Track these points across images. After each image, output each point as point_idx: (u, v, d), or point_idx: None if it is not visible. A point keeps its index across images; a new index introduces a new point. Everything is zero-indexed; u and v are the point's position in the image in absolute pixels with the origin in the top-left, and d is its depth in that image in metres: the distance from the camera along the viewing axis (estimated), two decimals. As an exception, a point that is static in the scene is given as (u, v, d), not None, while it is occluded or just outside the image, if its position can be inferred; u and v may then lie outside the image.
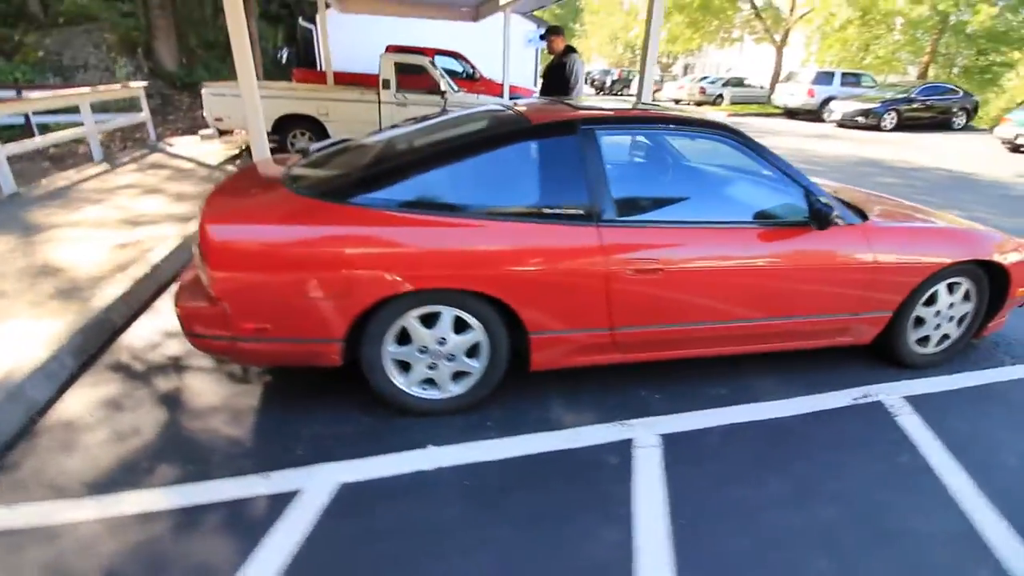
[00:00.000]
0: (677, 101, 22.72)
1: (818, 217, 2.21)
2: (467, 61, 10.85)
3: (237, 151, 7.49)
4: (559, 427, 2.24)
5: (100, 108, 7.57)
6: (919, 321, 2.67)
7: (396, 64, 7.07)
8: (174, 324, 2.88)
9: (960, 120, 15.21)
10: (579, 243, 2.07)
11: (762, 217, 2.29)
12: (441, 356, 2.15)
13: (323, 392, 2.37)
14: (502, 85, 9.19)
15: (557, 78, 5.02)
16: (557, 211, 2.08)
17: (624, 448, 2.14)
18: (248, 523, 1.72)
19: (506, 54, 8.92)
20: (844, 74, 16.86)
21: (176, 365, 2.58)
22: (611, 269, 2.09)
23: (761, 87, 20.85)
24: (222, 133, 8.15)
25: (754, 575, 1.65)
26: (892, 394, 2.57)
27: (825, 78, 16.63)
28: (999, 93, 18.48)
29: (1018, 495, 1.98)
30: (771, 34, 20.06)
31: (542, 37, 5.46)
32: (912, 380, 2.69)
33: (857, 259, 2.37)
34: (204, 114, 7.13)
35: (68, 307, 2.94)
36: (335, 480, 1.90)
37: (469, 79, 10.21)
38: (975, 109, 15.53)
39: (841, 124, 15.23)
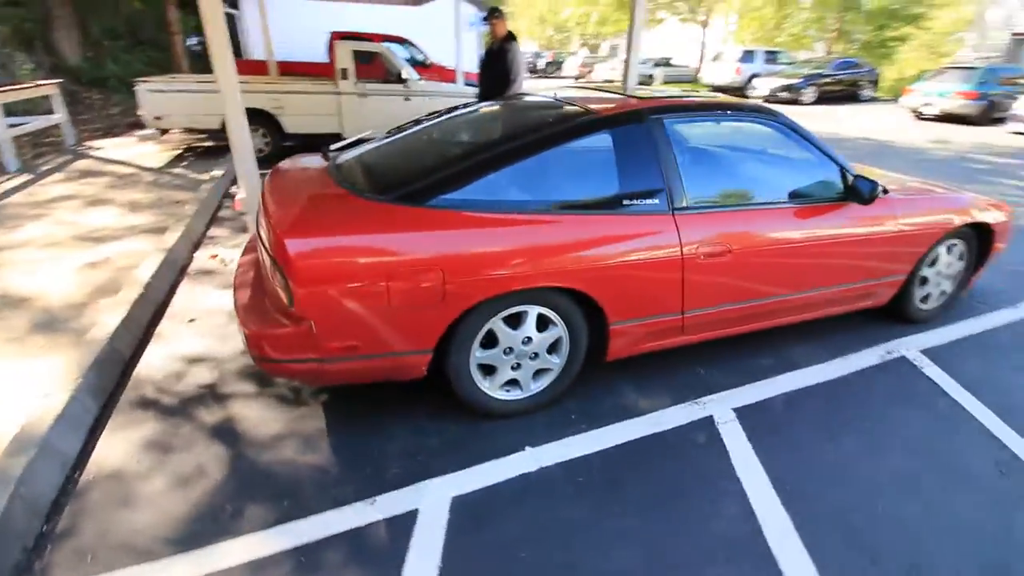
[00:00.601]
0: (609, 81, 23.23)
1: (860, 191, 2.36)
2: (415, 47, 10.47)
3: (178, 152, 6.86)
4: (638, 412, 2.28)
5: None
6: (923, 281, 2.93)
7: (354, 52, 6.70)
8: (192, 349, 2.67)
9: (867, 92, 16.65)
10: (657, 231, 2.09)
11: (808, 195, 2.41)
12: (525, 355, 2.11)
13: (384, 405, 2.26)
14: (455, 71, 8.97)
15: (497, 65, 4.87)
16: (634, 201, 2.08)
17: (707, 425, 2.21)
18: (377, 552, 1.63)
19: (458, 38, 8.70)
20: (765, 52, 17.91)
21: (214, 394, 2.36)
22: (686, 255, 2.13)
23: (686, 66, 21.73)
24: (163, 132, 7.42)
25: (868, 524, 1.77)
26: (911, 348, 2.82)
27: (748, 57, 17.61)
28: (890, 65, 20.38)
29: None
30: (695, 14, 20.90)
31: (484, 19, 5.27)
32: (921, 334, 2.96)
33: (887, 228, 2.56)
34: (140, 113, 6.44)
35: (57, 341, 2.60)
36: (446, 495, 1.83)
37: (421, 66, 9.86)
38: (877, 81, 17.04)
39: (767, 100, 16.21)
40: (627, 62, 4.71)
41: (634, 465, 2.00)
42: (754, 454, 2.06)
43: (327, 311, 1.76)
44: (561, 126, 2.13)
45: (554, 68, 28.35)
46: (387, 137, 2.71)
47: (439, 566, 1.58)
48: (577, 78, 26.16)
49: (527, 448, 2.06)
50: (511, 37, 4.95)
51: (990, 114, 11.41)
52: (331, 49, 8.01)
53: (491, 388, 2.13)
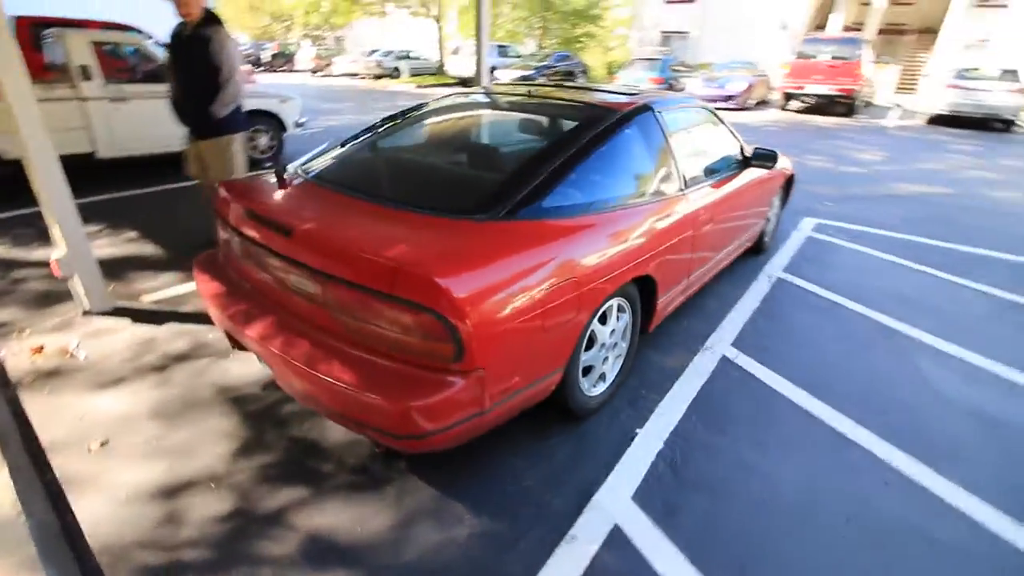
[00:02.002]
0: (352, 75, 22.42)
1: (768, 158, 3.09)
2: (144, 34, 8.27)
3: None
4: (680, 369, 2.60)
5: None
6: (768, 220, 3.99)
7: (95, 44, 5.06)
8: (148, 478, 1.89)
9: (581, 80, 20.07)
10: (685, 210, 2.39)
11: (732, 166, 3.05)
12: (610, 348, 2.20)
13: (469, 449, 2.03)
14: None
15: (195, 57, 3.19)
16: (666, 186, 2.33)
17: (730, 363, 2.68)
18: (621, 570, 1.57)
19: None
20: (497, 46, 19.83)
21: (261, 524, 1.76)
22: (694, 226, 2.50)
23: (428, 59, 22.48)
24: None
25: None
26: (777, 268, 3.84)
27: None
28: (587, 57, 25.00)
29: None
30: (428, 9, 21.61)
31: None
32: (774, 258, 4.04)
33: (772, 183, 3.42)
34: None
35: None
36: (624, 497, 1.84)
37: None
38: (586, 71, 20.70)
39: (509, 88, 18.14)
40: (479, 58, 4.82)
41: (719, 407, 2.33)
42: (772, 375, 2.60)
43: (498, 353, 1.54)
44: (601, 123, 2.19)
45: (283, 61, 25.80)
46: (367, 147, 2.41)
47: (684, 554, 1.63)
48: (314, 71, 24.44)
49: (637, 431, 2.17)
50: (213, 19, 3.22)
51: (670, 94, 15.21)
52: (23, 41, 5.83)
53: (588, 388, 2.15)
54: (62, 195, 2.73)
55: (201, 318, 2.94)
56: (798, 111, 13.67)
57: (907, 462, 2.05)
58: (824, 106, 13.12)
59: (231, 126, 3.42)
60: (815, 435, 2.21)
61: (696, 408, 2.33)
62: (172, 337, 2.80)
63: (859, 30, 17.95)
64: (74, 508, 1.76)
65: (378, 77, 21.25)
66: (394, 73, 21.37)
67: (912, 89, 18.20)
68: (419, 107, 2.83)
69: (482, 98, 3.00)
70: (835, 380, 2.57)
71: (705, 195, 2.65)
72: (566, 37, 24.29)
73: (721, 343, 2.85)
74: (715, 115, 3.08)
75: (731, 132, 3.16)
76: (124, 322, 2.92)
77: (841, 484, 1.95)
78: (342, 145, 2.48)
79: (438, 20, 21.63)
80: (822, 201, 5.68)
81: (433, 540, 1.69)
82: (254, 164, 6.39)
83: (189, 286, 3.35)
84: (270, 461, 1.98)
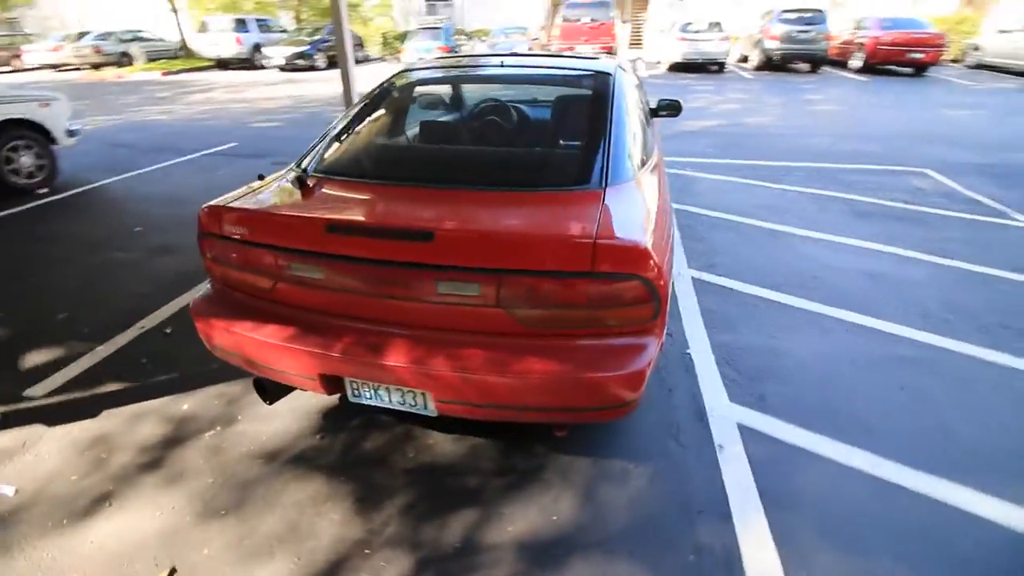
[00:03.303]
0: (58, 67, 17.41)
1: (672, 107, 3.59)
2: None
3: None
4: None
5: None
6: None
7: None
8: None
9: (360, 53, 18.99)
10: (660, 158, 2.72)
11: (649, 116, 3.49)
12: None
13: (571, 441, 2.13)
14: None
15: None
16: (651, 137, 2.60)
17: (700, 281, 3.18)
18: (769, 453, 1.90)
19: None
20: (256, 20, 17.39)
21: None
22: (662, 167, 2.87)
23: (163, 39, 18.57)
24: None
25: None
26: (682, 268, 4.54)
27: (243, 26, 16.74)
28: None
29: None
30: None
31: None
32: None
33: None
34: None
35: None
36: (727, 404, 2.17)
37: None
38: (363, 43, 19.62)
39: (283, 68, 16.24)
40: (340, 38, 4.27)
41: (719, 315, 2.80)
42: (735, 280, 3.19)
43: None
44: (607, 88, 2.26)
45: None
46: (385, 135, 2.22)
47: (792, 424, 2.04)
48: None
49: (687, 351, 2.51)
50: None
51: (459, 62, 15.59)
52: None
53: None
54: None
55: (150, 389, 2.30)
56: (573, 69, 15.36)
57: (840, 312, 2.83)
58: (592, 63, 15.00)
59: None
60: (790, 317, 2.84)
61: (708, 321, 2.77)
62: (128, 424, 2.14)
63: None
64: None
65: (98, 66, 16.85)
66: (123, 60, 17.18)
67: (639, 44, 21.85)
68: (394, 89, 2.50)
69: (460, 73, 2.82)
70: (773, 273, 3.29)
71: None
72: (322, 7, 22.56)
73: (681, 266, 3.35)
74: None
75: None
76: (34, 431, 2.10)
77: (832, 343, 2.60)
78: (337, 139, 2.13)
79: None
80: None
81: (624, 497, 1.78)
82: (20, 193, 4.81)
83: (96, 354, 2.54)
84: (405, 501, 1.78)
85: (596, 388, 1.49)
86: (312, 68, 16.40)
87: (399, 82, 2.59)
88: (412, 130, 2.42)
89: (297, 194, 1.79)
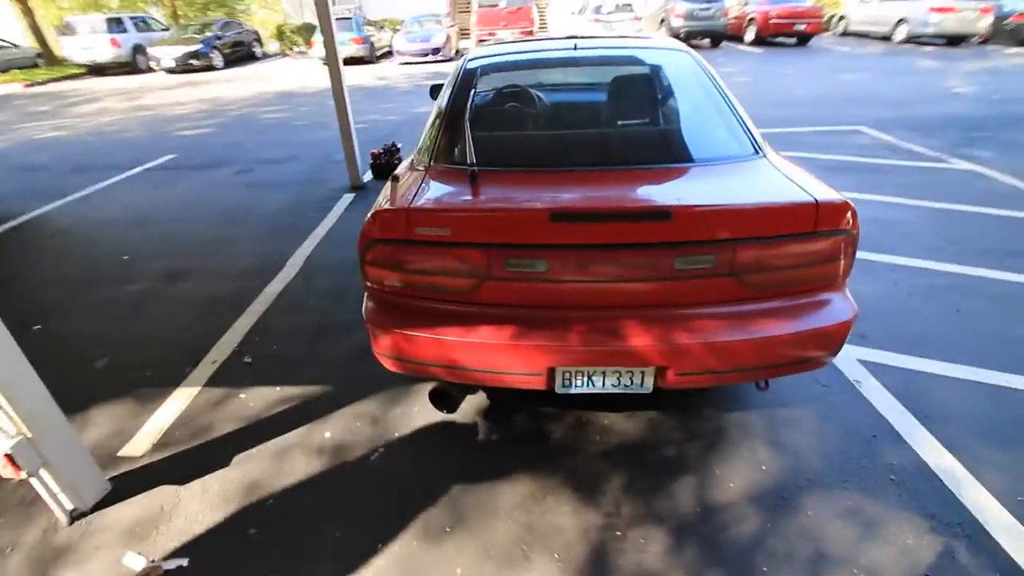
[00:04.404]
0: None
1: None
2: None
3: None
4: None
5: None
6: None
7: None
8: None
9: (259, 49, 17.54)
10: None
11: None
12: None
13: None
14: None
15: None
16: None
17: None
18: (897, 379, 2.16)
19: None
20: (131, 19, 15.39)
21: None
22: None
23: (14, 45, 15.85)
24: None
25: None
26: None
27: (118, 26, 14.76)
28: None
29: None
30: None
31: None
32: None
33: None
34: None
35: None
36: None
37: None
38: (259, 37, 18.09)
39: (174, 71, 14.61)
40: (327, 35, 3.92)
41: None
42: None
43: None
44: (683, 66, 2.36)
45: None
46: (513, 125, 2.24)
47: (903, 353, 2.32)
48: None
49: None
50: None
51: (374, 53, 14.93)
52: None
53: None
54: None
55: (274, 424, 2.11)
56: (494, 55, 15.30)
57: (870, 255, 3.21)
58: (512, 48, 15.04)
59: None
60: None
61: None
62: (274, 464, 1.96)
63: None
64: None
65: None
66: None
67: (545, 27, 22.23)
68: (477, 77, 2.36)
69: (540, 57, 2.78)
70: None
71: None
72: (200, 1, 20.55)
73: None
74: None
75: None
76: (164, 493, 1.85)
77: (882, 282, 2.94)
78: (450, 132, 2.01)
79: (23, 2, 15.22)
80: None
81: (807, 439, 1.96)
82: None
83: (180, 397, 2.26)
84: (622, 481, 1.83)
85: (822, 339, 1.62)
86: (210, 68, 14.91)
87: (476, 69, 2.48)
88: (533, 116, 2.37)
89: (470, 189, 1.71)
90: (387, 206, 1.67)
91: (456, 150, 1.97)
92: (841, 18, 16.06)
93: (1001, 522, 1.61)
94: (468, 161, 1.80)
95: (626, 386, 1.69)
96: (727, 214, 1.55)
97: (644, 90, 2.41)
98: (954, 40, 13.26)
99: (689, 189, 1.77)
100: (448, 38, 14.79)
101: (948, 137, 5.64)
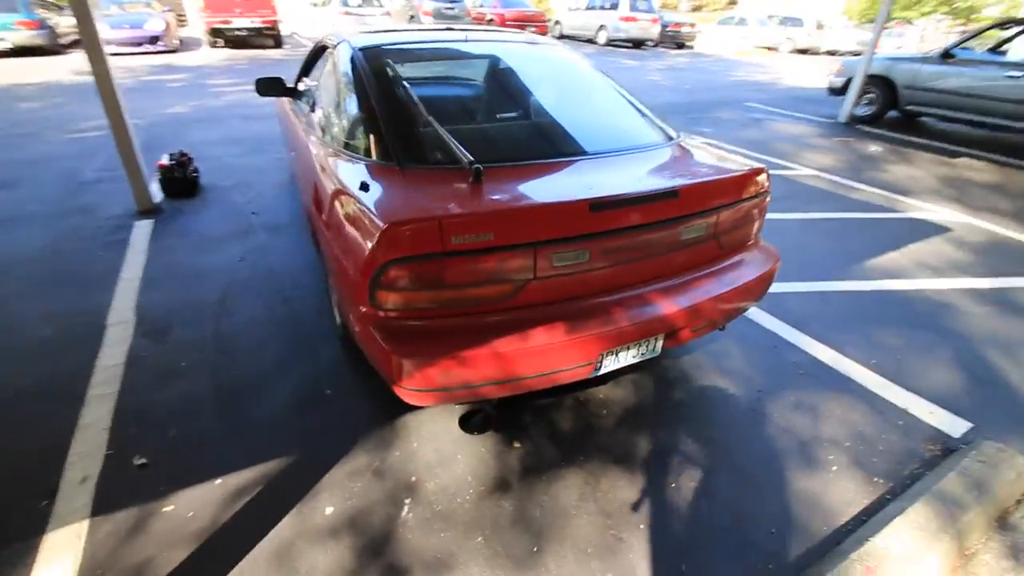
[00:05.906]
0: None
1: None
2: None
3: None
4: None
5: None
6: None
7: None
8: None
9: None
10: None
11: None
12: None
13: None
14: None
15: None
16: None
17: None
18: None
19: None
20: None
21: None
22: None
23: None
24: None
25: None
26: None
27: None
28: None
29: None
30: None
31: None
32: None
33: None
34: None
35: None
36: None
37: None
38: None
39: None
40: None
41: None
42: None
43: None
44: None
45: None
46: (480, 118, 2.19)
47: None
48: None
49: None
50: None
51: (57, 40, 11.43)
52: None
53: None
54: None
55: (228, 540, 1.67)
56: (231, 47, 13.23)
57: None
58: (252, 39, 13.28)
59: None
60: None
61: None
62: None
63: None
64: None
65: None
66: None
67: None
68: (391, 67, 2.07)
69: (441, 48, 2.61)
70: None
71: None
72: None
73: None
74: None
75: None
76: None
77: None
78: (438, 127, 1.79)
79: None
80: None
81: (740, 362, 2.41)
82: None
83: (67, 534, 1.60)
84: (658, 446, 1.97)
85: (768, 278, 2.03)
86: None
87: (378, 56, 2.20)
88: (482, 108, 2.22)
89: (478, 189, 1.58)
90: (404, 216, 1.43)
91: (426, 147, 1.79)
92: (557, 23, 18.84)
93: (873, 380, 2.33)
94: (454, 159, 1.65)
95: (643, 354, 1.83)
96: (715, 186, 1.82)
97: (568, 83, 2.55)
98: (637, 43, 16.97)
99: (670, 169, 1.97)
100: (168, 25, 12.27)
101: (675, 120, 7.37)
